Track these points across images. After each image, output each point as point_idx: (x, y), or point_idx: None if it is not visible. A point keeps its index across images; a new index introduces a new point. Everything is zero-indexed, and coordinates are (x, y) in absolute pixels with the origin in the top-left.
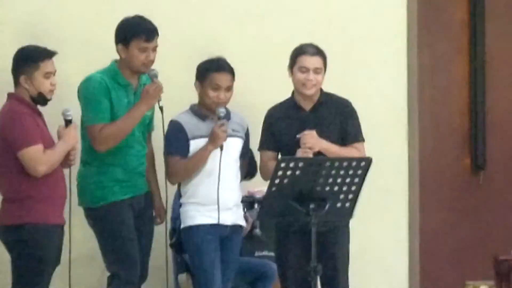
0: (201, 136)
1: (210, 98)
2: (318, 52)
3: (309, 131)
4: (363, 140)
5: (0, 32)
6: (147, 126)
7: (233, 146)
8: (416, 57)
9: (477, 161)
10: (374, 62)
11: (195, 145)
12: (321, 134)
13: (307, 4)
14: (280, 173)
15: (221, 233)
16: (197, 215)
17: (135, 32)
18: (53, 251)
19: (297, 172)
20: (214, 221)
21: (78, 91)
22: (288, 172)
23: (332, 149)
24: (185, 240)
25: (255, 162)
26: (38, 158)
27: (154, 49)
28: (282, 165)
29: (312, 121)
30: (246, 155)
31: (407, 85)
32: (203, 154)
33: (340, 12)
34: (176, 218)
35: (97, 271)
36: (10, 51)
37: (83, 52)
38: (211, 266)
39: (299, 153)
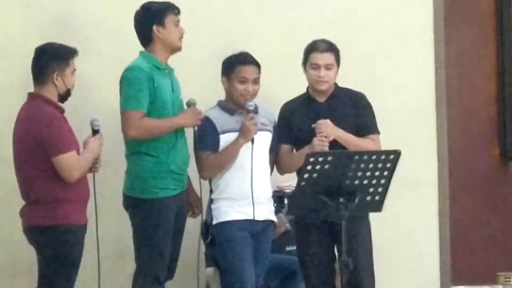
0: (231, 130)
1: (238, 91)
2: (329, 48)
3: (323, 120)
4: (378, 132)
5: (26, 30)
6: None
7: (263, 140)
8: (443, 49)
9: (506, 151)
10: (401, 54)
11: (226, 139)
12: (336, 125)
13: None
14: (309, 167)
15: (254, 229)
16: (230, 211)
17: (167, 8)
18: (81, 251)
19: (326, 166)
20: (248, 217)
21: (121, 78)
22: (317, 167)
23: (347, 137)
24: (217, 236)
25: None
26: (74, 165)
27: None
28: (311, 159)
29: (326, 112)
30: (275, 149)
31: (435, 76)
32: (234, 148)
33: (367, 5)
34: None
35: (128, 268)
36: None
37: (107, 50)
38: (243, 263)
39: (315, 142)
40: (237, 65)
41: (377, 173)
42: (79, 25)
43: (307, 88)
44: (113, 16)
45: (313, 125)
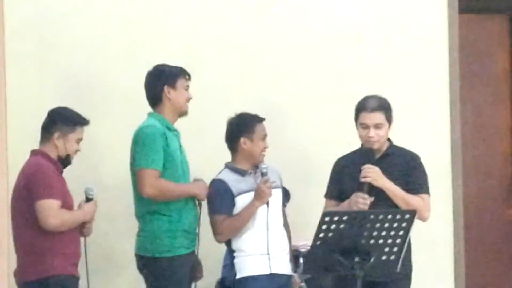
0: (246, 191)
1: (261, 147)
2: (379, 106)
3: (371, 166)
4: (428, 193)
5: (43, 83)
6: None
7: (276, 197)
8: (458, 110)
9: None
10: (417, 117)
11: (242, 200)
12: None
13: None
14: (324, 226)
15: (277, 283)
16: (252, 266)
17: (180, 71)
18: None
19: (342, 226)
20: (267, 271)
21: (136, 136)
22: (333, 226)
23: (395, 190)
24: None
25: None
26: (52, 212)
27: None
28: (327, 218)
29: (379, 168)
30: (286, 202)
31: (450, 137)
32: (250, 211)
33: (380, 64)
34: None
35: None
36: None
37: (121, 110)
38: None
39: (359, 200)
40: (256, 123)
41: (392, 233)
42: (95, 84)
43: (362, 144)
44: (128, 76)
45: (361, 168)
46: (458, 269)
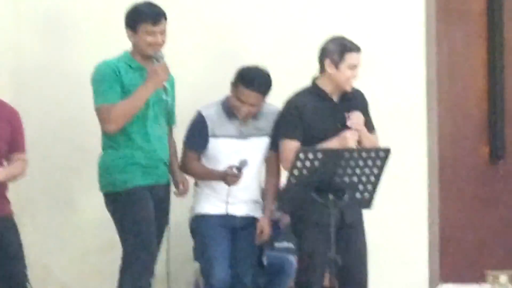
0: (222, 136)
1: (234, 105)
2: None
3: (357, 112)
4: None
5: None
6: (167, 116)
7: (255, 147)
8: (434, 48)
9: (496, 150)
10: (392, 53)
11: (215, 144)
12: None
13: None
14: (299, 164)
15: (231, 224)
16: (207, 205)
17: (142, 16)
18: None
19: (316, 163)
20: (223, 211)
21: (91, 77)
22: (307, 163)
23: (367, 134)
24: (193, 228)
25: None
26: None
27: (162, 33)
28: (301, 156)
29: (342, 111)
30: (273, 147)
31: (426, 75)
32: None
33: (358, 4)
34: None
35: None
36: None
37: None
38: (212, 257)
39: (348, 135)
40: (240, 85)
41: (367, 171)
42: (71, 20)
43: (314, 82)
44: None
45: (347, 115)
46: (432, 208)
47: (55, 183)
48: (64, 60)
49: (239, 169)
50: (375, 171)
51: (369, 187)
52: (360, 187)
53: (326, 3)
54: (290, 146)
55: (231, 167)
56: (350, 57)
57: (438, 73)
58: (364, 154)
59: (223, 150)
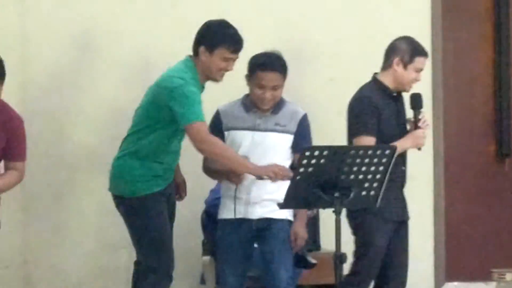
0: (237, 128)
1: (255, 95)
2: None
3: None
4: None
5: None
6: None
7: (273, 142)
8: (440, 45)
9: (502, 148)
10: None
11: (229, 136)
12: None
13: None
14: (305, 161)
15: (247, 228)
16: (224, 209)
17: (225, 41)
18: None
19: (322, 161)
20: (238, 216)
21: (172, 92)
22: (313, 161)
23: None
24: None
25: None
26: None
27: (235, 60)
28: (307, 153)
29: (402, 112)
30: (299, 150)
31: (432, 72)
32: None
33: (364, 4)
34: (211, 201)
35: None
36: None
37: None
38: (222, 262)
39: (421, 134)
40: (257, 69)
41: (372, 168)
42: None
43: (377, 79)
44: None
45: (419, 116)
46: (437, 206)
47: (60, 182)
48: (72, 60)
49: (293, 167)
50: (381, 168)
51: (375, 184)
52: (366, 184)
53: (332, 2)
54: (369, 142)
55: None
56: (419, 61)
57: (444, 71)
58: (370, 152)
59: (238, 142)
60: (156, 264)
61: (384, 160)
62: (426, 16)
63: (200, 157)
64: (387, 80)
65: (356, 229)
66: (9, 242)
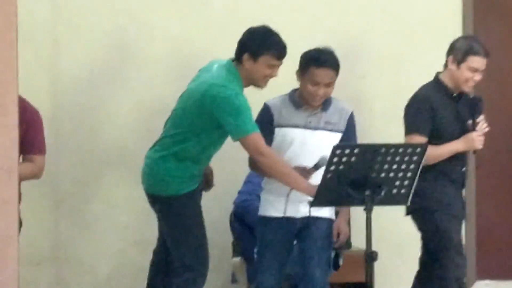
0: (288, 126)
1: (308, 91)
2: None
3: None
4: None
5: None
6: None
7: (323, 141)
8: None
9: None
10: (429, 47)
11: (280, 133)
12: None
13: None
14: (335, 159)
15: (291, 227)
16: (269, 207)
17: (271, 48)
18: None
19: (353, 159)
20: (281, 214)
21: (222, 103)
22: (344, 159)
23: None
24: (256, 229)
25: None
26: None
27: (279, 66)
28: (338, 151)
29: (464, 112)
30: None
31: None
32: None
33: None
34: (239, 203)
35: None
36: None
37: None
38: (263, 263)
39: (475, 137)
40: (311, 66)
41: (403, 166)
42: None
43: (438, 78)
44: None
45: (477, 120)
46: (469, 204)
47: (92, 178)
48: (105, 56)
49: (317, 166)
50: (412, 166)
51: (406, 182)
52: (397, 182)
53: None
54: (420, 141)
55: (303, 167)
56: (473, 60)
57: None
58: (401, 150)
59: (288, 140)
60: (193, 262)
61: (415, 158)
62: (457, 12)
63: (232, 156)
64: (447, 79)
65: (425, 229)
66: (41, 239)
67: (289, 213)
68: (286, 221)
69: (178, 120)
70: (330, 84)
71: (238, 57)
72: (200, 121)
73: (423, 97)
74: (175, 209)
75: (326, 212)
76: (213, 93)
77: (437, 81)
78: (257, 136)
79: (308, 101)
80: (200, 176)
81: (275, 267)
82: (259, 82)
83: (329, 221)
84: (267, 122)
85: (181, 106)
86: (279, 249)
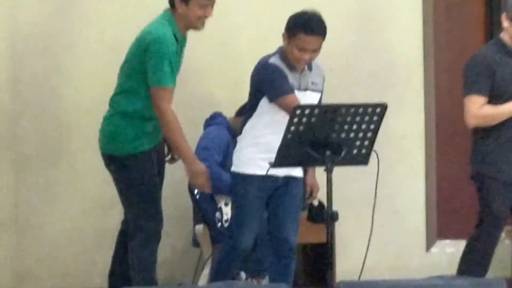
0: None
1: (294, 56)
2: None
3: None
4: None
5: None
6: None
7: (309, 101)
8: (431, 3)
9: None
10: (390, 8)
11: None
12: None
13: None
14: (295, 120)
15: (272, 186)
16: (251, 163)
17: None
18: None
19: (313, 119)
20: (263, 172)
21: (149, 45)
22: (304, 120)
23: None
24: (232, 184)
25: None
26: None
27: (213, 5)
28: (298, 112)
29: None
30: None
31: (423, 29)
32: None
33: None
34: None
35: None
36: None
37: None
38: (245, 222)
39: None
40: (299, 32)
41: (363, 126)
42: None
43: (498, 38)
44: None
45: None
46: (429, 164)
47: (52, 141)
48: (66, 26)
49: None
50: (372, 127)
51: (366, 143)
52: (357, 143)
53: None
54: (480, 102)
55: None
56: None
57: (435, 28)
58: (361, 110)
59: None
60: (144, 223)
61: (374, 118)
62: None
63: (193, 124)
64: (506, 37)
65: (478, 193)
66: (1, 204)
67: (272, 171)
68: (269, 179)
69: (123, 77)
70: (316, 50)
71: (172, 4)
72: (141, 72)
73: (482, 57)
74: (129, 169)
75: (300, 171)
76: (144, 36)
77: (497, 40)
78: (168, 91)
79: (292, 63)
80: (157, 135)
81: (255, 225)
82: (194, 24)
83: (301, 180)
84: (283, 76)
85: (125, 60)
86: (258, 207)
